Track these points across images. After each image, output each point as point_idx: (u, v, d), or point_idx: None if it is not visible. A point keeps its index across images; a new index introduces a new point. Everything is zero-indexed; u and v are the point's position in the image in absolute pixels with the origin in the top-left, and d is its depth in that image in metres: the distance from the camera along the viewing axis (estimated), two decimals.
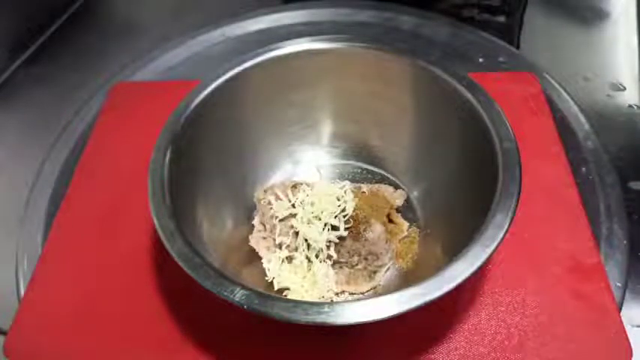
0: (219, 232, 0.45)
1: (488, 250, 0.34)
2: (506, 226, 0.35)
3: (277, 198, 0.47)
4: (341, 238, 0.44)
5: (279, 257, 0.45)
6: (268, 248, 0.46)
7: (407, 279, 0.44)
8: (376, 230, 0.45)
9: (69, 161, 0.57)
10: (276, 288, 0.44)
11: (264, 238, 0.47)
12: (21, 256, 0.50)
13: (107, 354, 0.42)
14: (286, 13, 0.71)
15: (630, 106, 0.59)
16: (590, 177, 0.51)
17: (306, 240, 0.44)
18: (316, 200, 0.45)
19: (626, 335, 0.40)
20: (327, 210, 0.44)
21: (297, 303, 0.33)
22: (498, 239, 0.34)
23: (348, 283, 0.44)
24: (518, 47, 0.71)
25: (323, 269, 0.44)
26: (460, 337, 0.41)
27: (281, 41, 0.48)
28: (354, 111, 0.50)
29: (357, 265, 0.44)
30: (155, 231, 0.37)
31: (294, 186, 0.48)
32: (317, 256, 0.44)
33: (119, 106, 0.61)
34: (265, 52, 0.48)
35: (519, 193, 0.37)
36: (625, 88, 0.61)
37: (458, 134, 0.44)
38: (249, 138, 0.50)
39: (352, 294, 0.44)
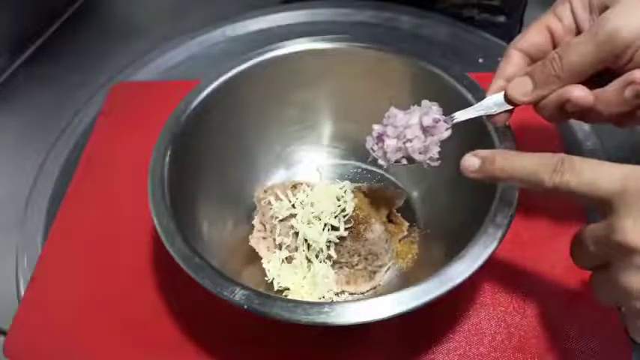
0: (219, 232, 0.45)
1: (489, 250, 0.34)
2: (506, 226, 0.35)
3: (277, 198, 0.47)
4: (341, 238, 0.44)
5: (279, 257, 0.45)
6: (268, 248, 0.46)
7: (407, 279, 0.44)
8: (376, 230, 0.45)
9: (69, 161, 0.57)
10: (276, 288, 0.44)
11: (264, 238, 0.47)
12: (21, 256, 0.50)
13: (107, 354, 0.42)
14: (286, 13, 0.71)
15: None
16: None
17: (306, 240, 0.44)
18: (316, 200, 0.45)
19: (626, 335, 0.40)
20: (327, 210, 0.44)
21: (297, 303, 0.33)
22: (498, 239, 0.34)
23: (348, 283, 0.44)
24: None
25: (323, 269, 0.44)
26: (460, 337, 0.41)
27: (281, 41, 0.48)
28: (354, 111, 0.50)
29: (357, 265, 0.44)
30: (155, 231, 0.37)
31: (294, 186, 0.48)
32: (317, 257, 0.44)
33: (119, 105, 0.61)
34: (265, 52, 0.48)
35: (519, 193, 0.37)
36: None
37: (458, 134, 0.44)
38: (249, 138, 0.50)
39: (352, 294, 0.44)
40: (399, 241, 0.47)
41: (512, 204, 0.36)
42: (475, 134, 0.41)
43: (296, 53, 0.48)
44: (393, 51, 0.47)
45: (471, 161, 0.34)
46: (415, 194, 0.50)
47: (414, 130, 0.38)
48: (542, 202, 0.47)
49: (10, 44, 0.71)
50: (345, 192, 0.46)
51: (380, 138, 0.40)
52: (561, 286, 0.43)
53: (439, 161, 0.39)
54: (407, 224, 0.48)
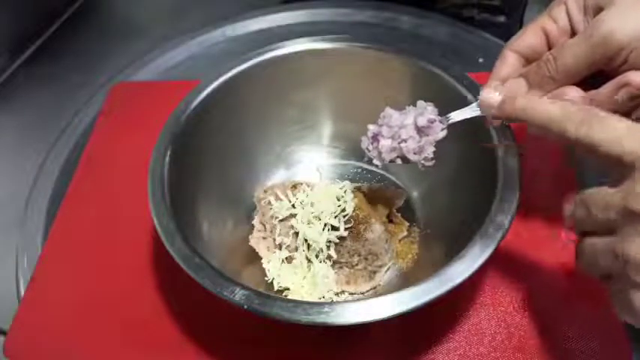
0: (219, 232, 0.45)
1: (489, 250, 0.34)
2: (506, 226, 0.35)
3: (277, 198, 0.47)
4: (341, 238, 0.44)
5: (279, 257, 0.45)
6: (268, 248, 0.46)
7: (407, 279, 0.44)
8: (376, 230, 0.45)
9: (69, 161, 0.57)
10: (276, 288, 0.44)
11: (264, 238, 0.47)
12: (21, 256, 0.50)
13: (107, 354, 0.42)
14: (286, 13, 0.71)
15: None
16: (590, 177, 0.51)
17: (306, 240, 0.44)
18: (316, 200, 0.45)
19: (626, 335, 0.40)
20: (327, 210, 0.44)
21: (297, 303, 0.33)
22: (498, 239, 0.34)
23: (348, 283, 0.44)
24: None
25: (323, 269, 0.44)
26: (460, 337, 0.41)
27: (281, 41, 0.48)
28: (354, 111, 0.50)
29: (357, 265, 0.44)
30: (155, 231, 0.37)
31: (294, 186, 0.48)
32: (317, 257, 0.44)
33: (119, 105, 0.61)
34: (265, 52, 0.48)
35: (520, 194, 0.37)
36: None
37: (458, 134, 0.44)
38: (249, 138, 0.50)
39: (352, 294, 0.44)
40: (399, 241, 0.47)
41: (513, 204, 0.36)
42: (474, 133, 0.41)
43: (296, 53, 0.48)
44: (393, 51, 0.47)
45: (493, 97, 0.33)
46: (415, 194, 0.50)
47: (408, 130, 0.39)
48: (542, 202, 0.47)
49: (10, 44, 0.71)
50: (345, 192, 0.46)
51: (375, 138, 0.40)
52: (561, 286, 0.43)
53: (434, 161, 0.39)
54: (407, 224, 0.48)
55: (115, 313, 0.44)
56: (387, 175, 0.52)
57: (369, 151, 0.41)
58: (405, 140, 0.39)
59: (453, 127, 0.39)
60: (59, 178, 0.56)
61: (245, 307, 0.33)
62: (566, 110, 0.29)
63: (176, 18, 0.78)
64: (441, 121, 0.38)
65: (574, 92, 0.34)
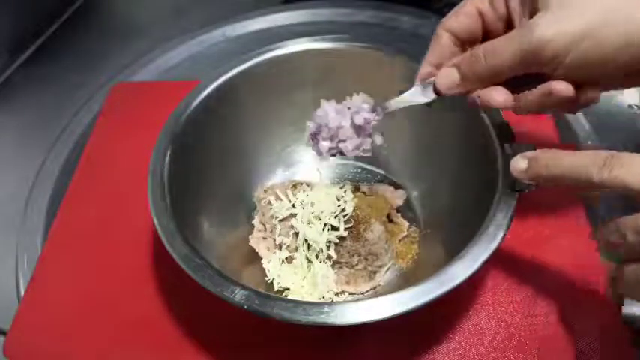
0: (219, 232, 0.45)
1: (489, 250, 0.34)
2: (506, 226, 0.35)
3: (277, 198, 0.47)
4: (341, 238, 0.44)
5: (279, 257, 0.45)
6: (268, 248, 0.46)
7: (407, 279, 0.44)
8: (376, 230, 0.45)
9: (69, 161, 0.57)
10: (276, 288, 0.44)
11: (264, 238, 0.47)
12: (21, 256, 0.50)
13: (107, 354, 0.42)
14: (286, 13, 0.71)
15: (630, 106, 0.59)
16: None
17: (306, 240, 0.44)
18: (316, 200, 0.45)
19: (627, 336, 0.40)
20: (327, 210, 0.44)
21: (297, 303, 0.33)
22: (498, 239, 0.34)
23: (348, 283, 0.44)
24: None
25: (323, 269, 0.44)
26: (460, 337, 0.41)
27: (281, 41, 0.48)
28: None
29: (357, 265, 0.44)
30: (155, 231, 0.37)
31: (294, 186, 0.48)
32: (317, 257, 0.44)
33: (119, 106, 0.61)
34: (265, 52, 0.48)
35: (519, 194, 0.36)
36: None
37: (458, 134, 0.44)
38: (249, 138, 0.50)
39: (352, 294, 0.44)
40: (399, 241, 0.47)
41: (513, 204, 0.36)
42: (476, 134, 0.41)
43: (296, 53, 0.48)
44: (393, 51, 0.47)
45: (519, 162, 0.33)
46: (415, 194, 0.50)
47: (346, 131, 0.40)
48: (542, 202, 0.47)
49: (10, 44, 0.71)
50: (345, 192, 0.46)
51: (314, 137, 0.42)
52: (561, 286, 0.43)
53: (370, 153, 0.41)
54: (407, 224, 0.48)
55: (115, 313, 0.44)
56: (387, 175, 0.52)
57: (310, 145, 0.43)
58: (343, 141, 0.40)
59: (452, 127, 0.39)
60: (59, 178, 0.56)
61: (245, 307, 0.33)
62: (587, 157, 0.30)
63: (176, 18, 0.78)
64: (377, 114, 0.39)
65: (501, 95, 0.34)
